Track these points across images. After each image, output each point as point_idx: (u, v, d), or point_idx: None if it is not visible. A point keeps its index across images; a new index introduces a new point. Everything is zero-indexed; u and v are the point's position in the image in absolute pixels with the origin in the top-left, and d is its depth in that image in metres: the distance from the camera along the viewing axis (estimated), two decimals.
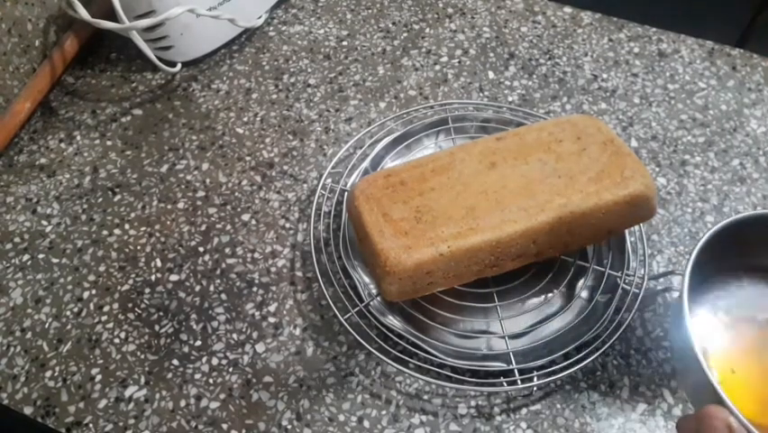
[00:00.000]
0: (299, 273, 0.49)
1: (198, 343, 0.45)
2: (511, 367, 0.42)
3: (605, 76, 0.61)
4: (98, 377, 0.44)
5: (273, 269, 0.49)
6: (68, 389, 0.43)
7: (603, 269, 0.47)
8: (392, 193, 0.43)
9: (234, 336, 0.46)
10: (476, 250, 0.41)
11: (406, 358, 0.43)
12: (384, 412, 0.42)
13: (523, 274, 0.47)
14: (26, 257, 0.50)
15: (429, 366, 0.43)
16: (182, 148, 0.56)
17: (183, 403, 0.43)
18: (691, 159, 0.55)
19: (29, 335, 0.46)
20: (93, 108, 0.60)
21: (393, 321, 0.45)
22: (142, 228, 0.51)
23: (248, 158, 0.55)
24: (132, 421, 0.42)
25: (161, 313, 0.47)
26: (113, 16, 0.54)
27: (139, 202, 0.53)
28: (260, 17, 0.64)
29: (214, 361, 0.44)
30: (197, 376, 0.44)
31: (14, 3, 0.56)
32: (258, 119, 0.58)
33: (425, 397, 0.43)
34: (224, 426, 0.42)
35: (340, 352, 0.45)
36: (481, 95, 0.60)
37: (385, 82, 0.61)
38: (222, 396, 0.43)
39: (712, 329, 0.29)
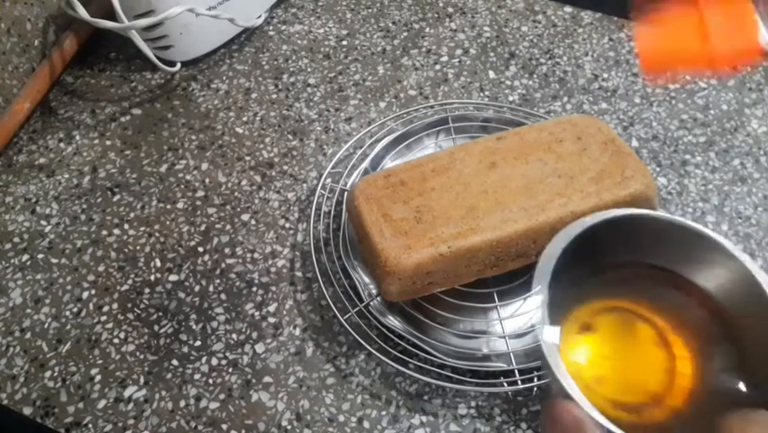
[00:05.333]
0: (299, 273, 0.49)
1: (198, 343, 0.45)
2: (511, 367, 0.42)
3: (605, 75, 0.61)
4: (98, 377, 0.44)
5: (273, 269, 0.49)
6: (67, 389, 0.43)
7: None
8: (392, 193, 0.43)
9: (234, 336, 0.45)
10: (476, 250, 0.41)
11: (407, 358, 0.43)
12: (384, 413, 0.42)
13: (523, 274, 0.46)
14: (25, 257, 0.50)
15: (429, 367, 0.43)
16: (182, 148, 0.56)
17: (183, 404, 0.43)
18: (692, 159, 0.55)
19: (28, 335, 0.46)
20: (92, 108, 0.59)
21: (393, 321, 0.45)
22: (142, 228, 0.51)
23: (248, 158, 0.55)
24: (131, 422, 0.42)
25: (161, 313, 0.47)
26: (112, 16, 0.54)
27: (138, 202, 0.53)
28: (259, 17, 0.64)
29: (214, 361, 0.44)
30: (197, 376, 0.44)
31: (14, 2, 0.56)
32: (257, 119, 0.58)
33: (425, 397, 0.43)
34: (224, 426, 0.42)
35: (340, 352, 0.45)
36: (482, 94, 0.59)
37: (385, 82, 0.61)
38: (221, 396, 0.43)
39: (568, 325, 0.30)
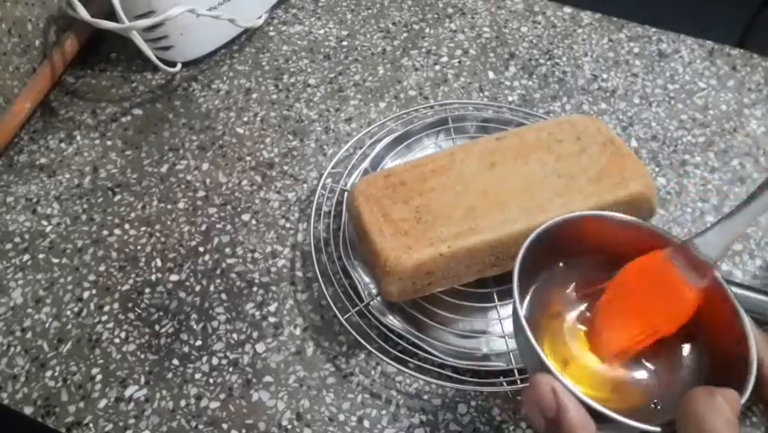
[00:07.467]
0: (299, 273, 0.49)
1: (198, 343, 0.45)
2: (511, 367, 0.42)
3: (605, 76, 0.61)
4: (98, 377, 0.44)
5: (273, 269, 0.49)
6: (68, 389, 0.43)
7: None
8: (392, 193, 0.43)
9: (234, 335, 0.46)
10: (476, 250, 0.41)
11: (407, 358, 0.43)
12: (384, 412, 0.43)
13: None
14: (26, 257, 0.50)
15: (429, 366, 0.43)
16: (182, 148, 0.56)
17: (183, 403, 0.43)
18: (691, 159, 0.55)
19: (29, 334, 0.46)
20: (93, 108, 0.60)
21: (393, 321, 0.45)
22: (143, 228, 0.51)
23: (248, 158, 0.55)
24: (132, 421, 0.42)
25: (162, 313, 0.47)
26: (113, 16, 0.55)
27: (139, 202, 0.53)
28: (260, 17, 0.64)
29: (215, 361, 0.45)
30: (198, 376, 0.44)
31: (14, 3, 0.56)
32: (258, 119, 0.58)
33: (425, 397, 0.43)
34: (224, 426, 0.42)
35: (340, 352, 0.45)
36: (481, 95, 0.60)
37: (385, 82, 0.61)
38: (222, 396, 0.43)
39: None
